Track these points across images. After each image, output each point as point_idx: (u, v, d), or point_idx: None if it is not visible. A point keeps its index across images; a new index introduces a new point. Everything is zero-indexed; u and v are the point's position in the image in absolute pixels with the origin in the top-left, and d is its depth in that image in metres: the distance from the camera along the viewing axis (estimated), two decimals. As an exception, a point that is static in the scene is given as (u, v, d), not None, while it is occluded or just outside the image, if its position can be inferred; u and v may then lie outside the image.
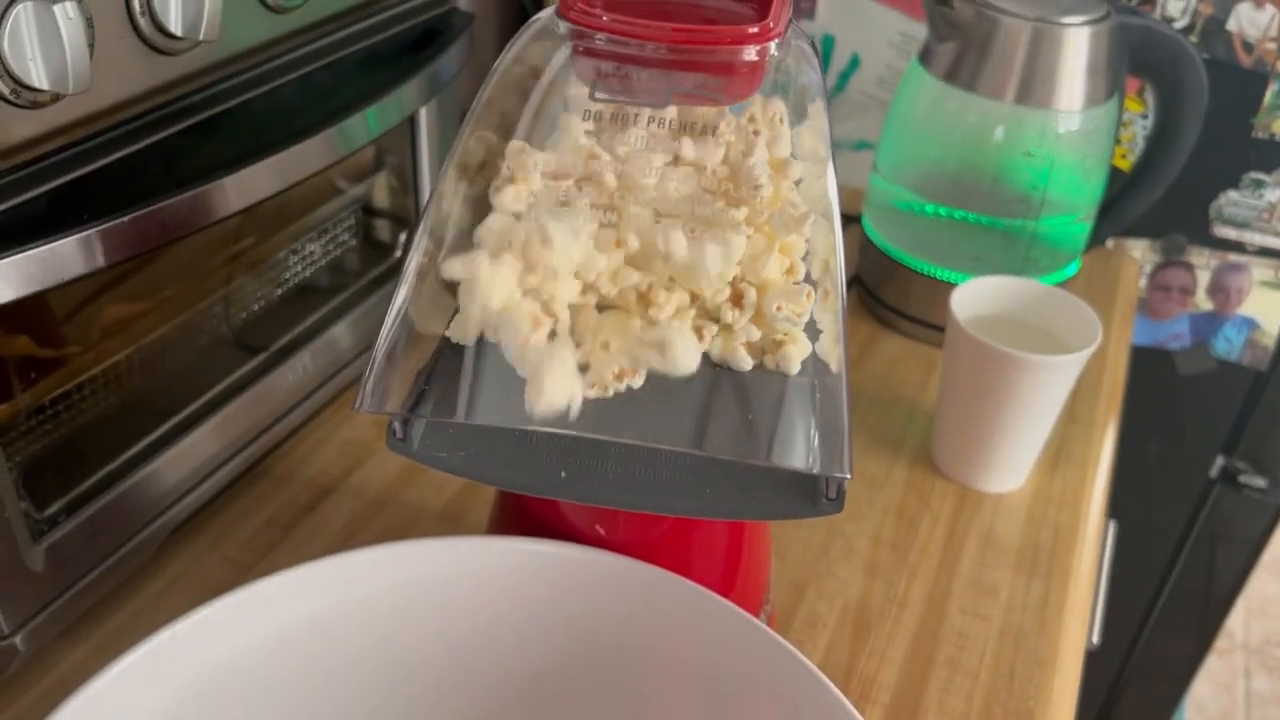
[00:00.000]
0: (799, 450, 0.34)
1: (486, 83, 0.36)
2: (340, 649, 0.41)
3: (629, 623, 0.41)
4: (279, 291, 0.62)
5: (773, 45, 0.34)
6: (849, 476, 0.33)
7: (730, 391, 0.35)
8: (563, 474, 0.38)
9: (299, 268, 0.63)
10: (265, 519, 0.58)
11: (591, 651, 0.42)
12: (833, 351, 0.36)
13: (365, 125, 0.54)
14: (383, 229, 0.69)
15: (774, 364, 0.36)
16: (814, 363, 0.36)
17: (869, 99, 0.98)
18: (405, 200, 0.68)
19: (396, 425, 0.37)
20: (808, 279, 0.36)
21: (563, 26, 0.34)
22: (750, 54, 0.34)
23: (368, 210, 0.68)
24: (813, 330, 0.37)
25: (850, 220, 0.83)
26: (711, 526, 0.43)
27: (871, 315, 0.80)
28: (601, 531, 0.41)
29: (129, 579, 0.53)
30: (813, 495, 0.36)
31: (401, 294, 0.36)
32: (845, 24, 0.97)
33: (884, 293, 0.79)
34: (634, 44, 0.33)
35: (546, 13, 0.36)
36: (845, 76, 0.98)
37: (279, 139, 0.49)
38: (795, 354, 0.36)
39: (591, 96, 0.34)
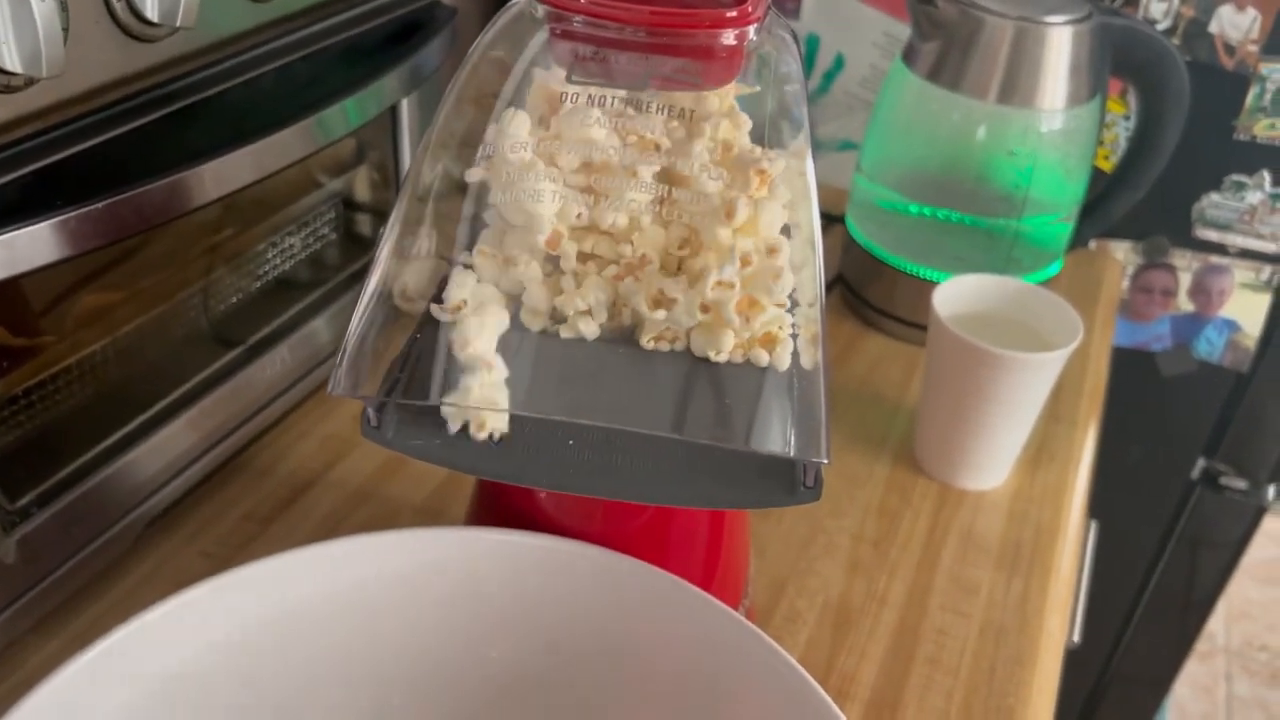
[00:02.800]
0: (776, 435, 0.34)
1: (464, 65, 0.36)
2: (316, 642, 0.40)
3: (607, 615, 0.40)
4: (258, 284, 0.62)
5: (751, 30, 0.34)
6: (826, 461, 0.33)
7: (708, 379, 0.35)
8: (540, 462, 0.37)
9: (278, 261, 0.63)
10: (243, 513, 0.58)
11: (569, 643, 0.41)
12: (812, 341, 0.36)
13: (345, 116, 0.54)
14: (363, 223, 0.68)
15: (757, 359, 0.35)
16: (793, 352, 0.36)
17: (853, 99, 0.99)
18: (386, 194, 0.68)
19: (370, 413, 0.37)
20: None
21: (540, 9, 0.34)
22: (729, 38, 0.33)
23: (348, 204, 0.67)
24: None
25: (834, 220, 0.83)
26: (690, 518, 0.43)
27: (855, 315, 0.80)
28: (579, 523, 0.41)
29: (103, 572, 0.53)
30: (791, 484, 0.36)
31: (375, 277, 0.35)
32: (830, 24, 0.97)
33: (868, 292, 0.79)
34: (612, 27, 0.33)
35: (523, -2, 0.36)
36: (830, 77, 0.99)
37: (257, 128, 0.49)
38: (782, 351, 0.36)
39: (569, 80, 0.34)
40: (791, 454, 0.33)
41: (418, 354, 0.35)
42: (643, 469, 0.37)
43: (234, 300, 0.60)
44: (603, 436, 0.37)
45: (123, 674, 0.36)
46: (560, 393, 0.33)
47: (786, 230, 0.35)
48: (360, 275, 0.67)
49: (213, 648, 0.38)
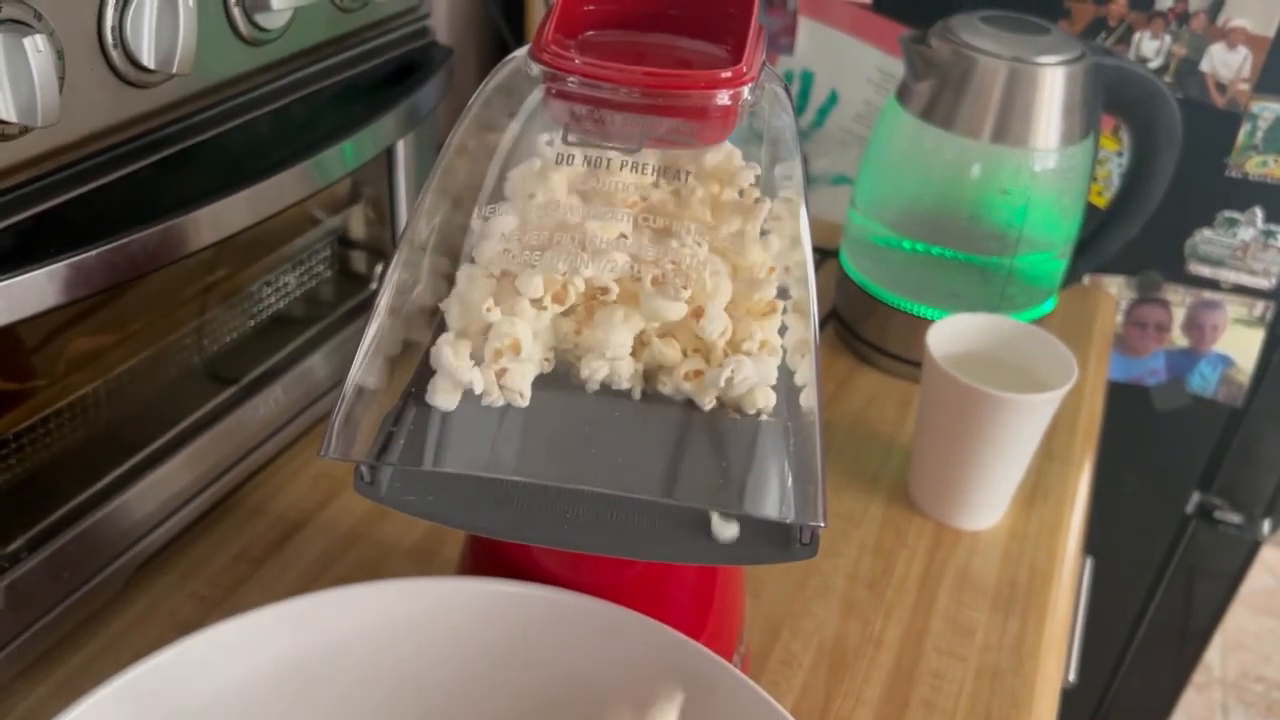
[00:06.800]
0: (772, 498, 0.33)
1: (461, 119, 0.36)
2: (305, 692, 0.40)
3: (598, 665, 0.40)
4: (252, 323, 0.61)
5: (746, 89, 0.34)
6: (824, 525, 0.33)
7: (702, 435, 0.34)
8: (534, 519, 0.37)
9: (273, 299, 0.63)
10: (235, 554, 0.57)
11: (562, 694, 0.41)
12: (806, 395, 0.36)
13: (342, 158, 0.54)
14: (359, 260, 0.68)
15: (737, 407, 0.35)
16: (787, 406, 0.36)
17: (847, 134, 0.99)
18: (382, 231, 0.68)
19: (364, 469, 0.36)
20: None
21: (535, 68, 0.34)
22: (723, 98, 0.34)
23: (344, 241, 0.67)
24: (786, 373, 0.36)
25: (828, 255, 0.83)
26: (684, 568, 0.42)
27: (850, 351, 0.80)
28: (572, 573, 0.41)
29: (93, 615, 0.52)
30: (786, 540, 0.36)
31: (370, 333, 0.35)
32: (824, 60, 0.97)
33: (862, 328, 0.79)
34: (607, 87, 0.33)
35: (520, 53, 0.36)
36: (824, 112, 0.99)
37: (254, 172, 0.49)
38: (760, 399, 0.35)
39: (564, 139, 0.34)
40: (789, 519, 0.33)
41: (413, 411, 0.35)
42: (638, 525, 0.37)
43: (228, 339, 0.60)
44: (598, 494, 0.37)
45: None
46: (554, 456, 0.33)
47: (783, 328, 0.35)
48: (355, 312, 0.67)
49: (206, 696, 0.37)
